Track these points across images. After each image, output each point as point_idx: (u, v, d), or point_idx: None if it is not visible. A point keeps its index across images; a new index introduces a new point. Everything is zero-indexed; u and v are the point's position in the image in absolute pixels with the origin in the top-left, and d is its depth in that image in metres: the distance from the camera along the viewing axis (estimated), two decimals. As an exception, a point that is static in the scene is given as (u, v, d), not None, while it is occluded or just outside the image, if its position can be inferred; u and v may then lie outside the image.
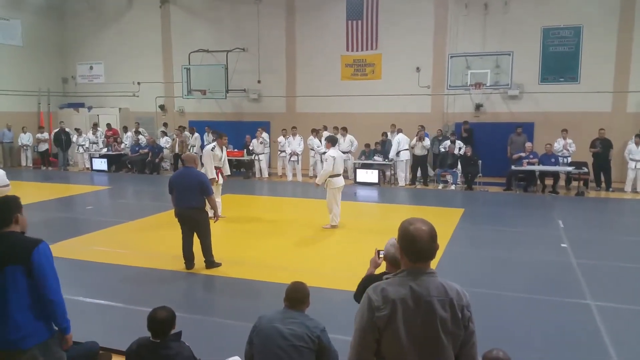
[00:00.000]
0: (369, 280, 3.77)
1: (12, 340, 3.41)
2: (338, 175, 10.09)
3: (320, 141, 16.62)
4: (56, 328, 3.59)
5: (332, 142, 10.31)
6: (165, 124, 20.43)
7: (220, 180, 10.86)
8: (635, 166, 14.52)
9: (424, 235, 2.36)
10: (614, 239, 9.67)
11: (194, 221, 7.36)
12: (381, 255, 3.97)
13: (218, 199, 10.83)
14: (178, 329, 3.81)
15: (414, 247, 2.35)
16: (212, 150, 10.66)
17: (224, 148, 11.05)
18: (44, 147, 20.55)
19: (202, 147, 18.89)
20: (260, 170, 17.75)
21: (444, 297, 2.32)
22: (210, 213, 7.77)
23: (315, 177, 16.66)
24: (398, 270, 2.48)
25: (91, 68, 22.83)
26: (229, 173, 11.24)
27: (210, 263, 7.50)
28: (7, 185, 13.09)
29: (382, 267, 4.02)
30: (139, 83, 21.71)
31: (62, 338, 3.63)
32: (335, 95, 18.89)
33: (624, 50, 15.97)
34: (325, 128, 17.58)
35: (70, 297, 6.44)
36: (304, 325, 3.67)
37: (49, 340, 3.52)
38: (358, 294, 3.87)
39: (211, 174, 10.41)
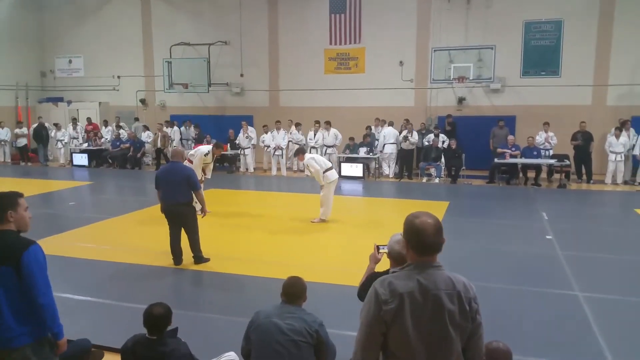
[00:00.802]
0: (373, 278, 3.76)
1: (4, 339, 3.36)
2: (330, 169, 10.17)
3: (314, 135, 16.67)
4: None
5: (302, 152, 10.34)
6: (136, 119, 20.22)
7: (208, 175, 10.88)
8: (615, 158, 14.75)
9: (430, 229, 2.36)
10: (597, 230, 9.82)
11: (182, 216, 7.27)
12: (381, 251, 3.96)
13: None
14: (172, 325, 3.78)
15: (421, 240, 2.35)
16: (205, 155, 10.56)
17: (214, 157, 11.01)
18: (22, 142, 20.17)
19: (182, 140, 18.90)
20: (246, 164, 17.67)
21: (452, 290, 2.32)
22: (198, 208, 7.72)
23: (301, 171, 16.75)
24: (399, 267, 2.48)
25: (70, 62, 22.46)
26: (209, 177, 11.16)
27: (199, 258, 7.44)
28: None
29: (382, 263, 4.01)
30: (119, 77, 21.43)
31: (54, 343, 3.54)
32: (318, 89, 18.86)
33: (604, 44, 16.20)
34: (296, 125, 17.60)
35: (58, 295, 6.33)
36: (302, 319, 3.67)
37: (41, 339, 3.45)
38: (362, 292, 3.86)
39: (198, 174, 10.38)
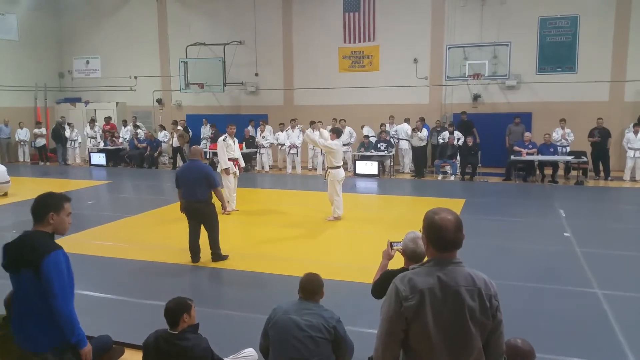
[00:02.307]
0: (387, 275, 3.78)
1: (26, 342, 3.38)
2: (339, 167, 10.18)
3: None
4: None
5: (337, 133, 10.37)
6: (134, 118, 20.40)
7: (236, 171, 10.96)
8: (633, 155, 14.59)
9: (450, 225, 2.37)
10: (615, 227, 9.73)
11: (201, 214, 7.33)
12: (394, 247, 3.97)
13: (234, 194, 10.89)
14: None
15: (441, 236, 2.37)
16: (223, 140, 10.79)
17: (235, 139, 11.13)
18: (41, 142, 20.45)
19: (197, 140, 19.08)
20: (262, 163, 17.75)
21: (472, 286, 2.33)
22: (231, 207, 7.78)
23: (315, 169, 16.81)
24: (416, 264, 2.50)
25: (87, 62, 22.71)
26: (244, 165, 11.30)
27: (217, 256, 7.49)
28: (8, 182, 13.09)
29: (395, 260, 4.02)
30: (135, 77, 21.60)
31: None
32: (333, 88, 18.87)
33: (621, 40, 16.01)
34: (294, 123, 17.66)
35: (78, 292, 6.46)
36: (320, 316, 3.70)
37: (63, 344, 3.38)
38: (376, 289, 3.87)
39: (224, 164, 10.63)
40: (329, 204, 10.24)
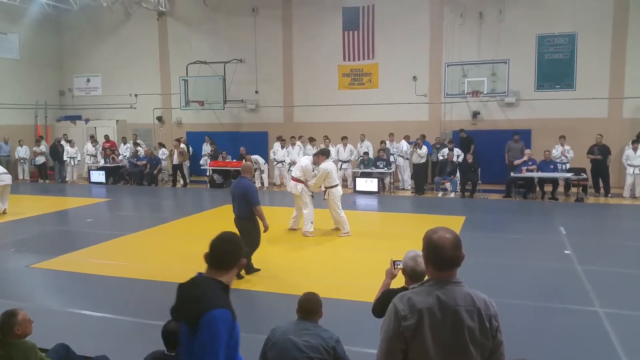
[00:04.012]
0: (387, 294, 3.74)
1: None
2: (336, 185, 10.32)
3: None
4: None
5: (325, 154, 10.42)
6: (135, 135, 20.48)
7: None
8: (633, 171, 14.58)
9: (448, 244, 2.36)
10: (616, 244, 9.70)
11: (240, 228, 7.44)
12: (397, 266, 3.94)
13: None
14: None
15: (439, 255, 2.35)
16: (312, 170, 10.62)
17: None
18: (41, 160, 20.47)
19: (198, 157, 19.14)
20: (262, 180, 17.76)
21: (472, 306, 2.31)
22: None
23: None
24: (416, 283, 2.48)
25: (88, 80, 22.82)
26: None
27: (248, 268, 7.63)
28: (6, 173, 13.07)
29: (398, 279, 3.99)
30: (136, 95, 21.69)
31: None
32: (333, 105, 18.94)
33: (618, 57, 16.10)
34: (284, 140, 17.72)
35: (76, 311, 6.45)
36: (318, 336, 3.65)
37: None
38: (376, 308, 3.84)
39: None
40: (328, 222, 10.22)
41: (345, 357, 3.71)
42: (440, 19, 17.71)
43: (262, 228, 7.66)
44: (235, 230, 7.39)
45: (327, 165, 10.23)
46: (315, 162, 10.51)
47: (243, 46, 19.86)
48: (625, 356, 4.95)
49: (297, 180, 10.29)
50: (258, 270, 7.70)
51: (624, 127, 15.94)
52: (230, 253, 2.82)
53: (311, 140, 17.67)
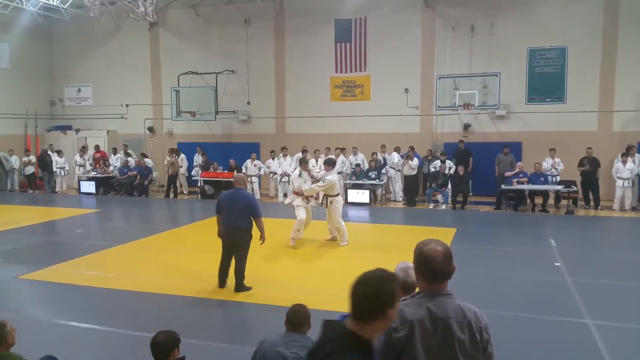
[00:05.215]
0: None
1: None
2: (338, 194, 10.45)
3: (317, 162, 16.72)
4: None
5: (331, 164, 10.55)
6: (125, 145, 20.41)
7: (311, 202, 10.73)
8: (622, 184, 14.69)
9: (439, 256, 2.36)
10: (606, 257, 9.73)
11: (239, 242, 7.39)
12: None
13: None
14: (180, 354, 3.74)
15: (430, 268, 2.35)
16: (299, 176, 10.62)
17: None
18: (30, 170, 20.32)
19: (190, 168, 19.08)
20: (253, 191, 17.68)
21: (462, 318, 2.31)
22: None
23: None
24: (407, 295, 2.47)
25: (79, 90, 22.74)
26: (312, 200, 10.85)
27: (241, 287, 7.45)
28: None
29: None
30: (127, 105, 21.63)
31: None
32: (324, 116, 18.98)
33: (608, 71, 16.26)
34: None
35: (64, 323, 6.38)
36: (307, 348, 3.62)
37: None
38: None
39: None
40: (320, 233, 10.22)
41: (334, 369, 3.68)
42: (432, 32, 17.84)
43: (259, 240, 7.60)
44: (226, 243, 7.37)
45: (335, 176, 10.45)
46: (300, 163, 10.77)
47: (235, 57, 19.89)
48: (616, 369, 4.96)
49: (295, 193, 10.45)
50: (250, 288, 7.52)
51: (614, 140, 16.07)
52: (378, 300, 2.08)
53: (304, 151, 17.63)
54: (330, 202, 10.30)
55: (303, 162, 10.93)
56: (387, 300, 2.05)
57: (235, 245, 7.42)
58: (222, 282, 7.54)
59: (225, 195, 7.70)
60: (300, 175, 10.55)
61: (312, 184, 10.29)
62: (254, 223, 7.50)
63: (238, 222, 7.33)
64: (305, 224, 10.54)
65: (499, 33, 17.12)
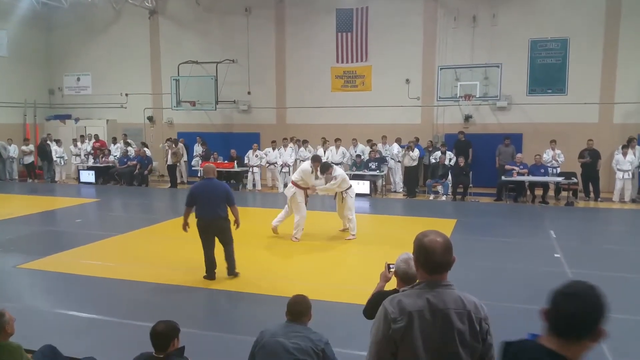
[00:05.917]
0: (379, 296, 3.71)
1: None
2: (350, 186, 10.34)
3: (324, 153, 16.68)
4: None
5: (318, 161, 10.29)
6: (125, 135, 20.40)
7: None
8: (622, 176, 14.68)
9: (439, 247, 2.34)
10: (605, 248, 9.73)
11: (220, 229, 7.43)
12: (391, 269, 3.91)
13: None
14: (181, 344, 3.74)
15: (429, 259, 2.33)
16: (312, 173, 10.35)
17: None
18: (29, 159, 20.29)
19: (190, 158, 19.05)
20: (254, 182, 17.67)
21: (462, 309, 2.29)
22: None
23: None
24: (408, 286, 2.46)
25: (78, 79, 22.67)
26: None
27: (233, 270, 7.56)
28: None
29: (392, 282, 3.97)
30: (127, 94, 21.56)
31: None
32: (325, 107, 18.93)
33: (610, 62, 16.21)
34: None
35: (63, 312, 6.38)
36: (307, 338, 3.63)
37: None
38: (368, 310, 3.81)
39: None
40: (321, 223, 10.20)
41: (334, 359, 3.69)
42: (433, 22, 17.75)
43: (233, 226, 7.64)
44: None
45: (341, 170, 10.46)
46: (322, 171, 10.20)
47: (235, 46, 19.81)
48: (613, 358, 4.95)
49: (294, 184, 10.22)
50: (238, 274, 7.59)
51: (615, 132, 16.04)
52: (587, 315, 1.87)
53: (304, 142, 17.70)
54: (343, 198, 10.20)
55: (326, 168, 10.18)
56: (603, 317, 1.92)
57: (218, 233, 7.48)
58: (211, 274, 7.51)
59: (198, 187, 7.66)
60: (312, 172, 10.35)
61: (325, 183, 10.19)
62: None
63: (217, 211, 7.39)
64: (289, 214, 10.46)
65: (500, 24, 17.04)
